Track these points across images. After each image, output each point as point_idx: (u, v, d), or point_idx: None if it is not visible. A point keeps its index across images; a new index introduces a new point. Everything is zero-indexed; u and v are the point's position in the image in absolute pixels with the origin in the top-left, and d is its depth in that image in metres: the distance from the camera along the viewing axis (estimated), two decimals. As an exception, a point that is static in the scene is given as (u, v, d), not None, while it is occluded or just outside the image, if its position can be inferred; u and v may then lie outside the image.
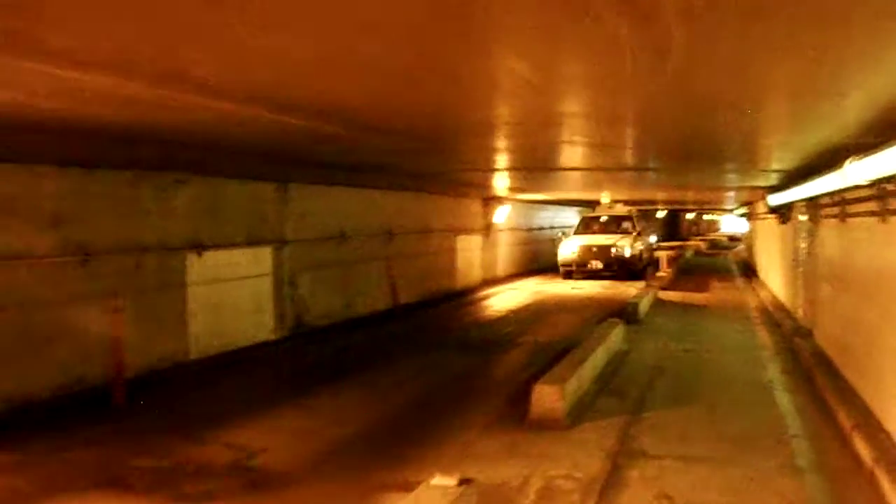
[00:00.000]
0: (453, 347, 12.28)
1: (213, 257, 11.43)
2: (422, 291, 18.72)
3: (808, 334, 11.69)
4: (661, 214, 53.58)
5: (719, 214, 79.76)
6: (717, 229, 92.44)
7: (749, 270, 26.86)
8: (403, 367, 10.69)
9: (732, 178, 15.44)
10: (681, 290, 20.53)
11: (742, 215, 33.62)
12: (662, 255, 25.46)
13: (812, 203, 11.84)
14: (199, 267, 11.17)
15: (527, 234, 27.81)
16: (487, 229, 23.70)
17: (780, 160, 10.64)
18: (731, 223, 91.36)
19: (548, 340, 12.45)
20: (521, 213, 27.14)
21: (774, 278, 18.39)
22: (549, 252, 29.67)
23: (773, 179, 14.33)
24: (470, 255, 22.48)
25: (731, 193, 22.29)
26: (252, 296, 12.77)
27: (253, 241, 12.84)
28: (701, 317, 15.29)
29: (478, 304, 18.42)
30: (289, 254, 13.83)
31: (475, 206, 22.94)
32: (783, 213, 15.92)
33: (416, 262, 18.65)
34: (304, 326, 14.21)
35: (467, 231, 22.24)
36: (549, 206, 30.91)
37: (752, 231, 29.72)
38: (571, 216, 34.84)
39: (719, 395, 8.33)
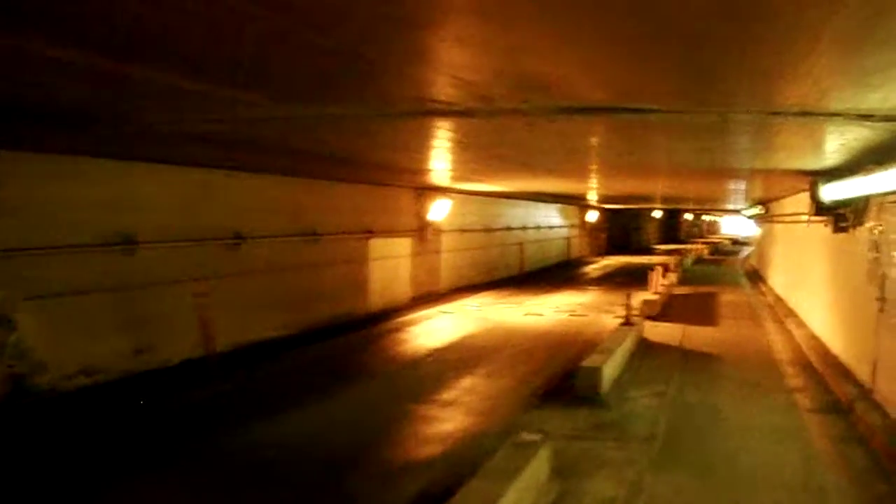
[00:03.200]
0: (210, 478, 6.05)
1: None
2: (295, 321, 12.54)
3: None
4: (657, 214, 47.39)
5: (720, 215, 73.58)
6: (718, 231, 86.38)
7: (765, 286, 20.55)
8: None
9: (765, 152, 9.13)
10: (678, 319, 14.26)
11: (754, 216, 27.28)
12: (658, 265, 19.09)
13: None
14: None
15: (484, 237, 21.51)
16: (422, 230, 17.47)
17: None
18: (733, 225, 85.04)
19: (403, 465, 6.22)
20: (476, 209, 20.85)
21: (816, 311, 12.10)
22: (516, 259, 23.44)
23: (830, 157, 8.14)
24: (393, 264, 16.26)
25: (743, 186, 15.94)
26: None
27: None
28: (710, 387, 8.96)
29: (374, 345, 12.13)
30: (-9, 272, 7.77)
31: (403, 200, 16.72)
32: (844, 214, 9.66)
33: (287, 279, 12.48)
34: (30, 394, 8.13)
35: (389, 232, 16.04)
36: (518, 202, 24.60)
37: (767, 237, 23.37)
38: (551, 215, 28.57)
39: None
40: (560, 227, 30.13)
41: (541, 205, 27.28)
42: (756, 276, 24.32)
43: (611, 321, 13.88)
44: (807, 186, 10.76)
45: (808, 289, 13.11)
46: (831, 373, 9.13)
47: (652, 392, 8.42)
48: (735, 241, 55.96)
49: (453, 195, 18.68)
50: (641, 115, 5.30)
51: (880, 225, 7.89)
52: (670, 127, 6.08)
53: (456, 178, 14.16)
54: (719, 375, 9.54)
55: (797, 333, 12.34)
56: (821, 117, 5.27)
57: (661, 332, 12.78)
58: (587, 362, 8.23)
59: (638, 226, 45.25)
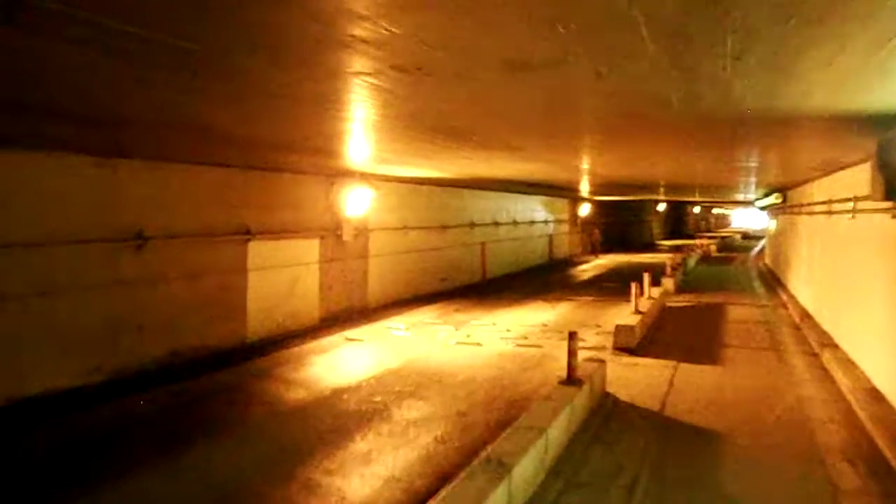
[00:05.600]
0: None
1: None
2: (107, 363, 8.55)
3: None
4: (661, 207, 42.78)
5: (730, 208, 68.44)
6: (728, 225, 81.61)
7: (786, 294, 15.96)
8: None
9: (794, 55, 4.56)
10: (666, 352, 9.82)
11: (768, 207, 22.70)
12: (645, 272, 14.66)
13: None
14: None
15: (436, 237, 17.08)
16: (337, 230, 13.10)
17: None
18: (744, 218, 80.00)
19: None
20: (425, 202, 16.48)
21: (877, 349, 7.61)
22: (479, 262, 18.99)
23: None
24: (289, 276, 11.93)
25: (755, 164, 11.49)
26: None
27: None
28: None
29: (192, 408, 7.79)
30: None
31: (307, 190, 12.43)
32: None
33: (87, 303, 8.39)
34: None
35: (283, 233, 11.76)
36: (487, 194, 20.18)
37: (787, 231, 18.76)
38: (531, 208, 24.13)
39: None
40: (542, 222, 25.59)
41: (519, 197, 22.83)
42: (772, 280, 19.71)
43: (559, 361, 9.48)
44: (859, 156, 6.32)
45: (859, 310, 8.60)
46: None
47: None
48: (746, 236, 51.28)
49: (387, 183, 14.36)
50: None
51: None
52: None
53: (386, 160, 9.95)
54: (720, 496, 5.06)
55: (845, 383, 7.82)
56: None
57: (637, 379, 8.33)
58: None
59: (639, 220, 40.64)
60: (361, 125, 6.22)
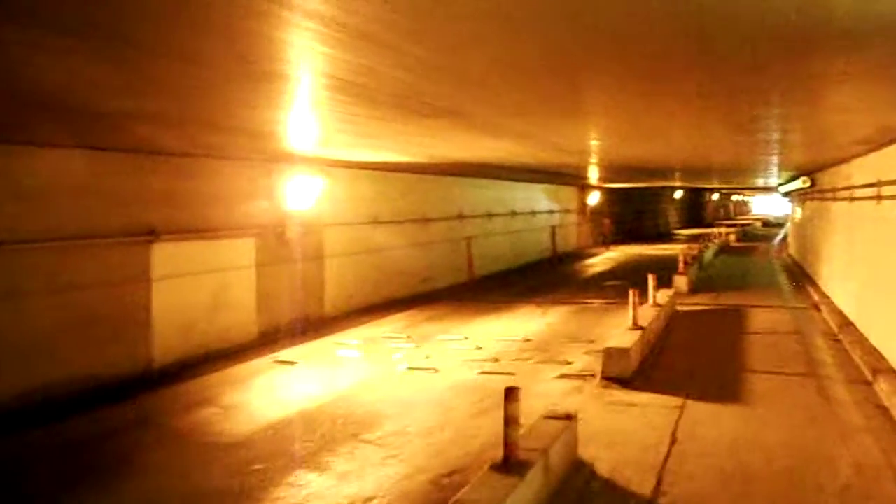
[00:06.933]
0: None
1: None
2: None
3: None
4: (678, 195, 40.00)
5: (750, 195, 65.12)
6: (748, 212, 78.46)
7: (818, 294, 13.33)
8: None
9: None
10: (671, 383, 7.37)
11: (794, 192, 20.02)
12: (652, 274, 12.13)
13: None
14: None
15: (416, 232, 14.69)
16: (279, 226, 10.81)
17: None
18: (764, 205, 76.52)
19: None
20: (400, 191, 14.13)
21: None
22: (462, 260, 16.54)
23: None
24: (214, 283, 9.68)
25: (776, 136, 9.05)
26: None
27: None
28: None
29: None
30: None
31: (238, 178, 10.16)
32: None
33: None
34: None
35: (204, 232, 9.51)
36: (481, 182, 17.75)
37: (816, 220, 16.06)
38: (532, 197, 21.66)
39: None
40: (546, 213, 23.06)
41: (518, 185, 20.35)
42: (800, 275, 17.05)
43: (547, 386, 7.12)
44: None
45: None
46: None
47: None
48: (766, 223, 48.25)
49: (348, 170, 12.07)
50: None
51: None
52: None
53: (335, 140, 7.74)
54: None
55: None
56: None
57: (628, 430, 5.89)
58: None
59: (654, 208, 37.90)
60: (283, 86, 4.03)
